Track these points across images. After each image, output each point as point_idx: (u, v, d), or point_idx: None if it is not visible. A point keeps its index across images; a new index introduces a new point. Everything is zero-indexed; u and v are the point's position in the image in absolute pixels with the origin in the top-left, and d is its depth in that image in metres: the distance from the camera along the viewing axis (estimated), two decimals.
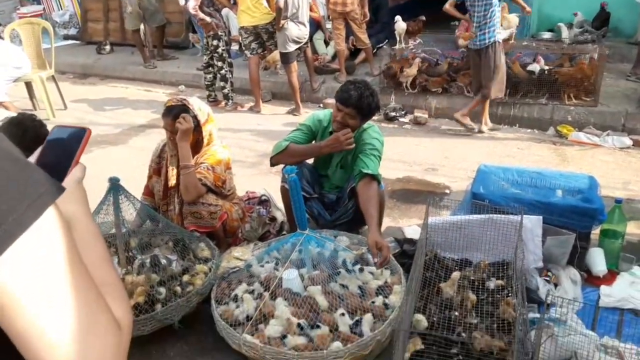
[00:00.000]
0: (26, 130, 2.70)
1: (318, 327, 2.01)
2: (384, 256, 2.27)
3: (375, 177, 2.62)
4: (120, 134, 5.36)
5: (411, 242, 2.83)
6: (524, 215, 2.50)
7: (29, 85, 6.01)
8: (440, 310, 2.22)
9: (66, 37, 10.16)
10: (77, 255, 0.62)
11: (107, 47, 8.88)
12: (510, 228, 2.55)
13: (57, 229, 0.60)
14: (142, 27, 7.76)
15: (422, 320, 2.12)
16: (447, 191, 3.78)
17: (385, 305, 2.16)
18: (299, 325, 2.01)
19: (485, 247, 2.64)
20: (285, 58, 5.52)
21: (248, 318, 2.10)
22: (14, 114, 3.24)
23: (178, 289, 2.32)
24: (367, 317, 2.05)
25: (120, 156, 4.69)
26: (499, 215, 2.57)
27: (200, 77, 6.28)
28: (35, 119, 2.85)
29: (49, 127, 5.22)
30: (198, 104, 2.68)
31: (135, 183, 2.97)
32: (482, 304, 2.26)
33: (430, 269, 2.50)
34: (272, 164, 2.84)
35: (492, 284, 2.38)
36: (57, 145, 0.83)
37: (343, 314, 2.09)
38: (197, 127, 2.62)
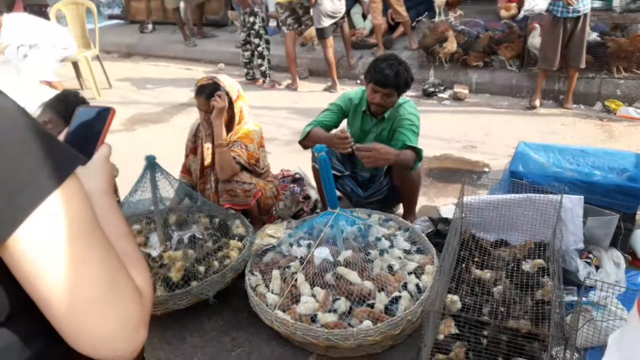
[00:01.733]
0: (69, 106, 2.79)
1: (357, 303, 2.03)
2: (367, 151, 2.34)
3: (416, 152, 2.58)
4: (162, 113, 5.48)
5: (446, 221, 2.79)
6: (564, 195, 2.41)
7: (75, 65, 6.21)
8: (474, 291, 2.20)
9: (110, 17, 10.40)
10: (97, 224, 0.64)
11: (150, 26, 9.03)
12: (549, 208, 2.47)
13: (77, 198, 0.61)
14: (181, 4, 7.83)
15: (456, 301, 2.10)
16: (487, 169, 3.69)
17: (417, 287, 2.15)
18: (335, 300, 2.04)
19: (523, 227, 2.57)
20: (321, 33, 5.46)
21: (280, 295, 2.14)
22: None
23: (215, 263, 2.39)
24: (405, 296, 2.05)
25: (162, 134, 4.81)
26: (537, 195, 2.49)
27: (239, 54, 6.31)
28: (79, 96, 2.94)
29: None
30: (229, 82, 2.70)
31: (176, 161, 3.04)
32: (518, 285, 2.22)
33: (465, 249, 2.46)
34: (303, 147, 2.86)
35: (528, 265, 2.33)
36: (82, 126, 0.86)
37: (380, 291, 2.10)
38: (230, 104, 2.65)
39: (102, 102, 5.75)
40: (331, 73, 5.64)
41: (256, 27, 5.76)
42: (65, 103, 2.81)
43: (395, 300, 2.04)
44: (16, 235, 0.56)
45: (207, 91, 2.61)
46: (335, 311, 2.04)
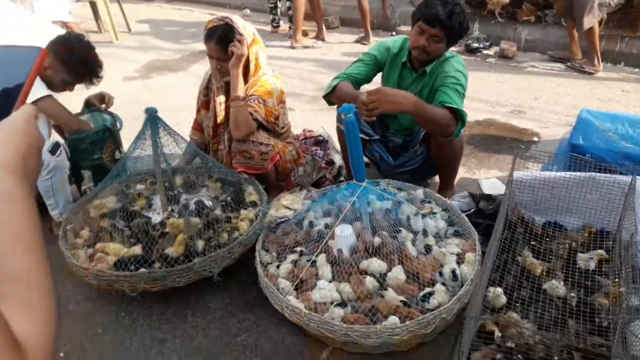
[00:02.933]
0: (72, 50, 2.48)
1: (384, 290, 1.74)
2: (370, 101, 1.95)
3: (458, 115, 2.18)
4: (180, 60, 5.14)
5: (489, 198, 2.42)
6: (637, 177, 2.02)
7: (93, 5, 5.86)
8: (522, 285, 1.86)
9: None
10: None
11: None
12: (616, 191, 2.10)
13: None
14: None
15: (500, 295, 1.77)
16: (536, 139, 3.26)
17: (454, 275, 1.82)
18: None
19: (582, 211, 2.20)
20: None
21: (293, 280, 1.85)
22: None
23: (225, 235, 2.10)
24: (440, 290, 1.73)
25: (179, 83, 4.49)
26: (603, 175, 2.12)
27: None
28: (83, 40, 2.62)
29: (111, 50, 5.11)
30: (242, 23, 2.32)
31: (192, 113, 2.73)
32: (575, 281, 1.87)
33: (511, 232, 2.11)
34: (328, 103, 2.49)
35: (587, 258, 1.97)
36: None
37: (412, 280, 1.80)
38: None
39: (119, 47, 5.43)
40: (364, 23, 5.16)
41: None
42: (68, 47, 2.50)
43: (427, 296, 1.72)
44: None
45: (219, 34, 2.24)
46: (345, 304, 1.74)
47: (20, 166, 0.52)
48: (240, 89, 2.27)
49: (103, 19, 5.85)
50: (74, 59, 2.47)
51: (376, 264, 1.82)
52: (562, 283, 1.84)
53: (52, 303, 0.48)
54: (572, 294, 1.80)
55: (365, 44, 5.18)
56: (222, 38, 2.23)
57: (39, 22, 4.51)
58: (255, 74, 2.37)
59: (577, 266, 1.96)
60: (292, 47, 5.25)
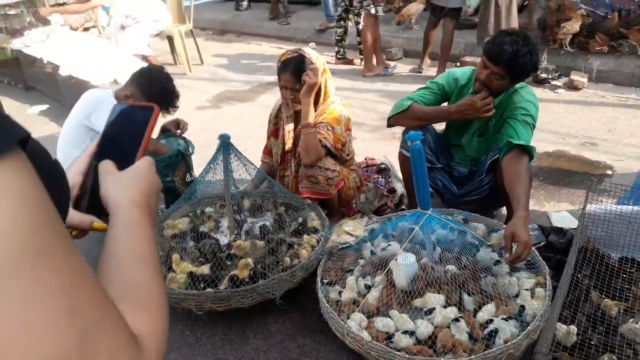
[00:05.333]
0: (152, 82, 2.67)
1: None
2: (517, 254, 1.82)
3: (527, 150, 2.14)
4: (249, 91, 5.35)
5: (560, 232, 2.33)
6: None
7: (170, 40, 6.26)
8: (595, 327, 1.76)
9: None
10: (64, 236, 0.41)
11: (245, 3, 9.00)
12: None
13: (25, 183, 0.38)
14: None
15: (573, 333, 1.69)
16: (609, 172, 3.11)
17: (522, 310, 1.76)
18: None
19: None
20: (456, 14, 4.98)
21: (356, 304, 1.85)
22: None
23: (287, 259, 2.14)
24: (505, 326, 1.67)
25: (247, 112, 4.67)
26: None
27: (330, 34, 6.01)
28: (163, 72, 2.81)
29: (185, 82, 5.42)
30: (314, 54, 2.41)
31: (260, 141, 2.84)
32: None
33: (585, 267, 2.01)
34: (389, 125, 2.50)
35: None
36: (119, 127, 0.73)
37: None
38: None
39: (192, 78, 5.75)
40: (445, 58, 5.11)
41: (355, 2, 5.40)
42: (149, 78, 2.69)
43: (494, 333, 1.66)
44: None
45: (293, 65, 2.34)
46: (412, 333, 1.71)
47: (145, 204, 0.63)
48: (311, 117, 2.35)
49: (179, 53, 6.22)
50: (154, 89, 2.65)
51: (434, 299, 1.79)
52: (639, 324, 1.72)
53: (166, 309, 0.55)
54: None
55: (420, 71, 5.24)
56: (296, 69, 2.33)
57: (121, 55, 4.91)
58: (324, 102, 2.44)
59: None
60: (364, 76, 5.36)
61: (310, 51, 2.42)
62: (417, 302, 1.84)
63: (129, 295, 0.51)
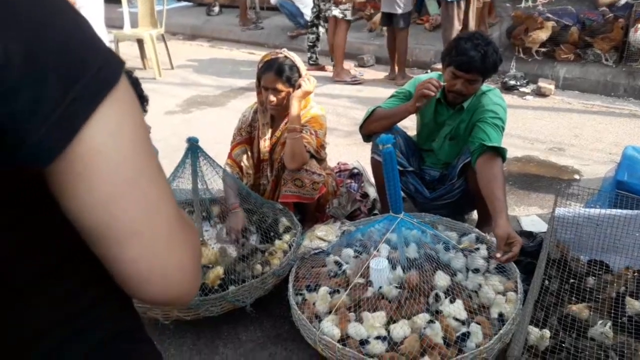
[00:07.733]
0: None
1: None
2: (513, 254, 1.84)
3: (499, 152, 2.15)
4: (219, 96, 5.28)
5: (529, 235, 2.35)
6: None
7: (140, 43, 6.14)
8: (566, 329, 1.77)
9: None
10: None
11: (216, 9, 8.90)
12: None
13: (132, 100, 0.50)
14: None
15: (545, 337, 1.69)
16: (577, 176, 3.17)
17: (501, 318, 1.75)
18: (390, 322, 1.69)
19: (629, 250, 2.10)
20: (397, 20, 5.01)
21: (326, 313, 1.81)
22: None
23: (258, 267, 2.09)
24: (475, 330, 1.66)
25: (218, 117, 4.60)
26: None
27: (303, 40, 6.00)
28: (132, 76, 2.72)
29: (155, 86, 5.31)
30: (297, 58, 2.39)
31: (228, 146, 2.77)
32: (625, 329, 1.77)
33: (556, 270, 2.03)
34: (364, 137, 2.50)
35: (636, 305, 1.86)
36: None
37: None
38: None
39: (162, 83, 5.65)
40: (401, 63, 5.19)
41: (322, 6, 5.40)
42: None
43: (465, 336, 1.65)
44: (87, 134, 0.45)
45: (277, 65, 2.29)
46: (384, 338, 1.68)
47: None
48: (298, 122, 2.31)
49: (149, 57, 6.10)
50: None
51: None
52: (608, 326, 1.73)
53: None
54: (621, 342, 1.69)
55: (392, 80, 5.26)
56: (279, 70, 2.28)
57: None
58: (305, 107, 2.41)
59: (626, 311, 1.85)
60: (335, 81, 5.35)
61: (292, 54, 2.39)
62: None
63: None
